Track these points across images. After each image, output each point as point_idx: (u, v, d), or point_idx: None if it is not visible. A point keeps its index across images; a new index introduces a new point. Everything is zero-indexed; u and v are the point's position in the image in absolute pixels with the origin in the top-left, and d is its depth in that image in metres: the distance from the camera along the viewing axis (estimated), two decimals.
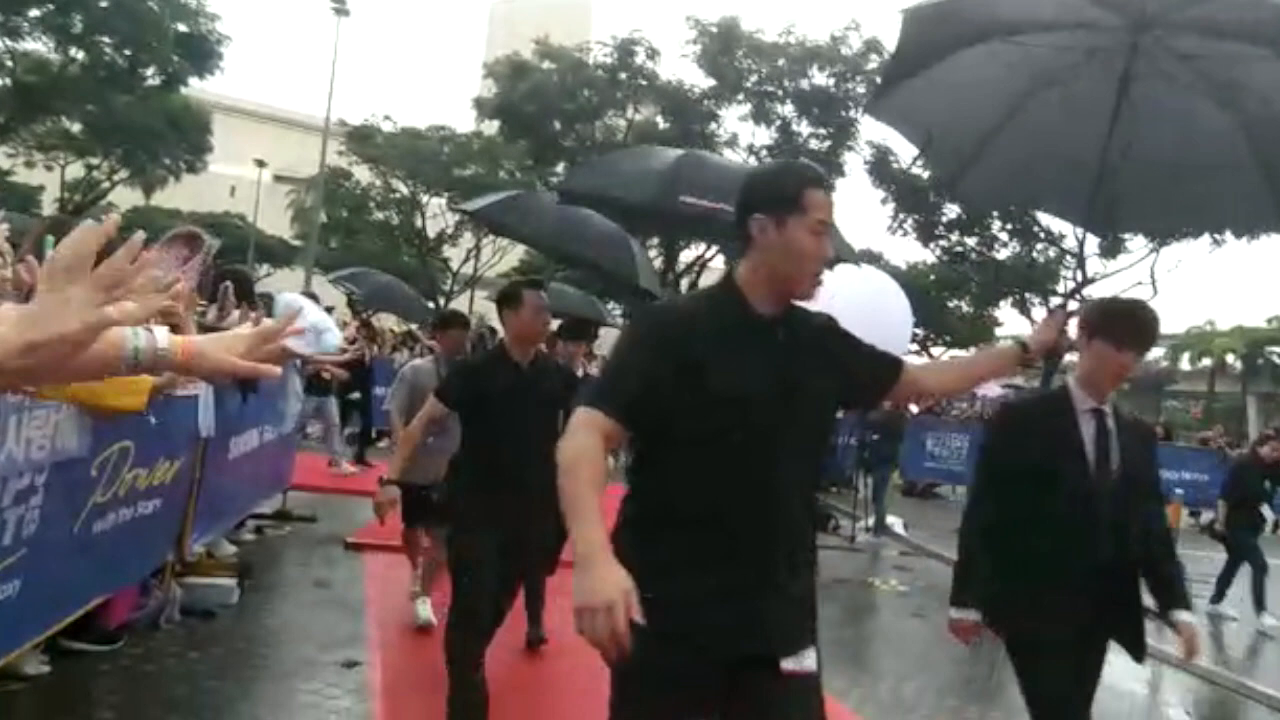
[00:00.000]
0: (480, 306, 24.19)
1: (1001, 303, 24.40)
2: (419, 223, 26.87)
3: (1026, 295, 23.28)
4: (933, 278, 23.73)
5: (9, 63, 19.30)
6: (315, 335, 6.23)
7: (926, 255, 24.06)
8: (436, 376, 4.71)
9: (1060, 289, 23.32)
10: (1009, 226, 22.47)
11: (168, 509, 4.37)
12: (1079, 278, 22.57)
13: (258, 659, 4.36)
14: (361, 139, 25.32)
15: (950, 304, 24.46)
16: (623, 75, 22.81)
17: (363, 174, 26.50)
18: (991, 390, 22.87)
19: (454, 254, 27.70)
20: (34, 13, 17.58)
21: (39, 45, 19.03)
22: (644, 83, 22.86)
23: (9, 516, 2.93)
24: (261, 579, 5.65)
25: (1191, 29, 2.36)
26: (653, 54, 22.74)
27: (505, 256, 27.73)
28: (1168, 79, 2.48)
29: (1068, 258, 22.79)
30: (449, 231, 27.16)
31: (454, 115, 53.55)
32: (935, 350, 26.90)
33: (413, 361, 5.01)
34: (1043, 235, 22.60)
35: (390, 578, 5.89)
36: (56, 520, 3.29)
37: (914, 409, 12.79)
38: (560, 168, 24.89)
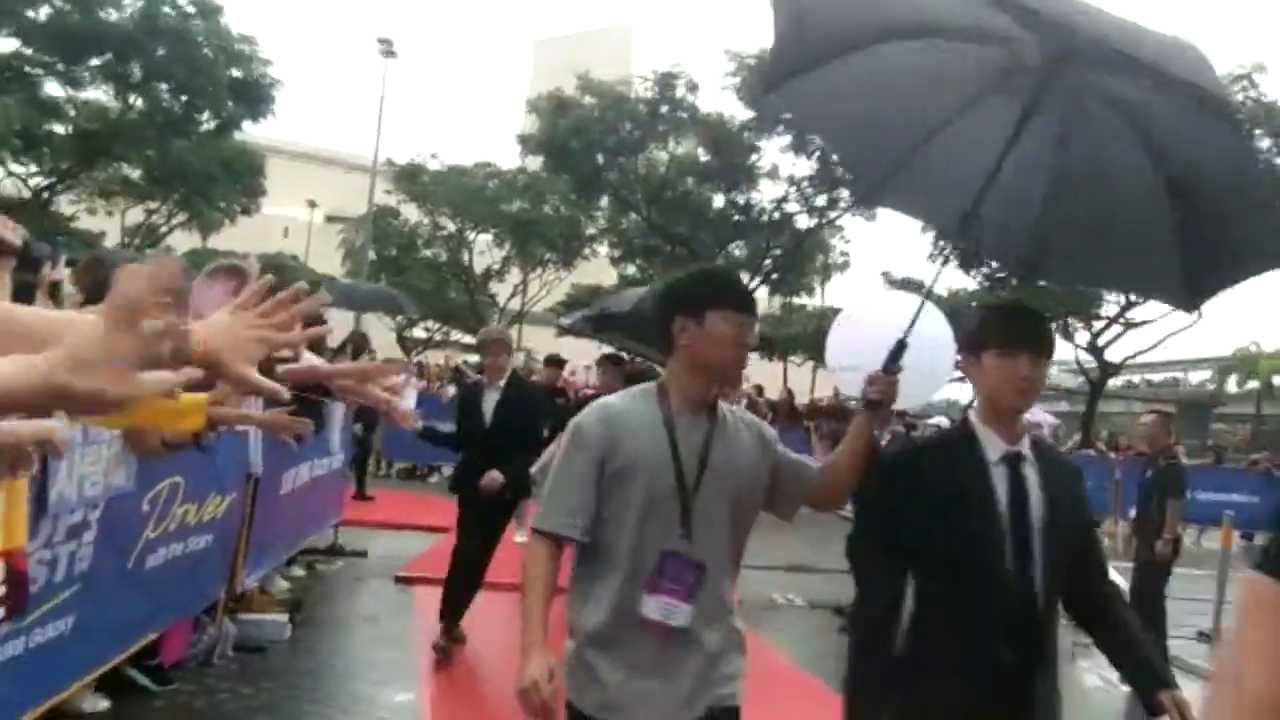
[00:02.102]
0: (527, 340, 24.36)
1: None
2: (466, 259, 27.23)
3: (1069, 319, 22.86)
4: (975, 304, 23.49)
5: (71, 111, 20.02)
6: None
7: (968, 282, 23.82)
8: (668, 439, 2.03)
9: (1104, 311, 22.76)
10: None
11: (219, 544, 4.40)
12: (1123, 300, 22.00)
13: (310, 694, 4.35)
14: (409, 178, 25.81)
15: None
16: (664, 109, 22.94)
17: (411, 212, 26.99)
18: (1035, 415, 22.29)
19: (501, 289, 28.01)
20: (94, 61, 18.24)
21: (99, 94, 19.72)
22: (684, 116, 22.95)
23: (61, 553, 2.95)
24: (313, 614, 5.67)
25: (1122, 71, 2.01)
26: (693, 87, 22.86)
27: (552, 291, 27.96)
28: (1097, 122, 2.19)
29: None
30: (495, 267, 27.47)
31: (499, 152, 54.48)
32: None
33: (602, 398, 2.23)
34: None
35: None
36: (109, 556, 3.31)
37: None
38: (604, 201, 25.03)
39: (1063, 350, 24.76)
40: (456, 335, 29.65)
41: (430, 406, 11.60)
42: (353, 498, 9.75)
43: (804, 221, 24.01)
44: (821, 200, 23.72)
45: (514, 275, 27.87)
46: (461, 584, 5.10)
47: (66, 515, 2.95)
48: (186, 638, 4.36)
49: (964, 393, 27.82)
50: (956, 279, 23.70)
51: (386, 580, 6.70)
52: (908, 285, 22.60)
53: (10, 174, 20.29)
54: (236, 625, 4.79)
